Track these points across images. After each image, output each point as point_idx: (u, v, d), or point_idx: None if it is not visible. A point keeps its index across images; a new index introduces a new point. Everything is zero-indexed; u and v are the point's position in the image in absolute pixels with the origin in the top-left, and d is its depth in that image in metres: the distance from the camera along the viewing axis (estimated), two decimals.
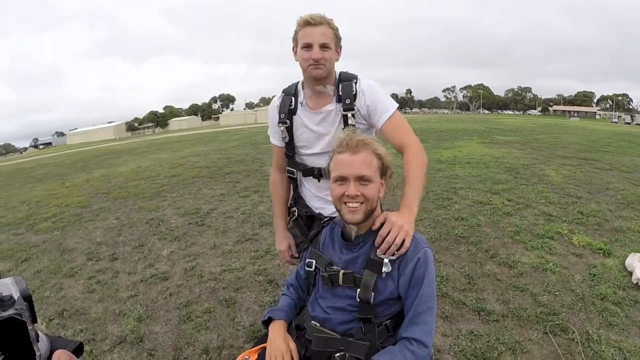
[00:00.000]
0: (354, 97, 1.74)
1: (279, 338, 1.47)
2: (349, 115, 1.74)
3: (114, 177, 11.16)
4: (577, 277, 3.45)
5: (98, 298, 3.56)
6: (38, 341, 0.57)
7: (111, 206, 7.20)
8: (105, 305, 3.41)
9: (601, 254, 3.91)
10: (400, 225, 1.39)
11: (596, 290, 3.20)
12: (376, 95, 1.76)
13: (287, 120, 1.86)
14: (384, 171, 1.43)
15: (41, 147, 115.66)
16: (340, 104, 1.76)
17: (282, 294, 1.70)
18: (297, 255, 2.06)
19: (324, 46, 1.68)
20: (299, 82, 1.88)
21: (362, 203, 1.38)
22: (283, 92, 1.90)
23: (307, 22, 1.67)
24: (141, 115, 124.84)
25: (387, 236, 1.37)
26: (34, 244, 5.39)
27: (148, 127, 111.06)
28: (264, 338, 1.56)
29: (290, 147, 1.93)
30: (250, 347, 1.62)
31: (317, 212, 1.96)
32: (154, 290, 3.64)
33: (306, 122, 1.84)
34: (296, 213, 2.06)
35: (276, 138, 1.98)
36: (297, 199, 2.05)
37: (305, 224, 2.03)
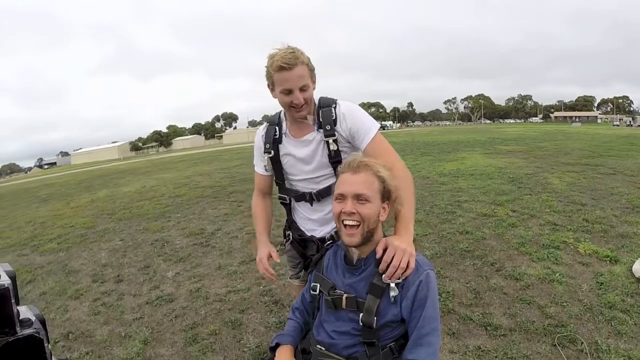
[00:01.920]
0: (334, 123, 1.79)
1: None
2: (330, 141, 1.79)
3: (118, 197, 11.22)
4: (585, 286, 3.41)
5: (103, 320, 3.56)
6: None
7: (116, 227, 7.22)
8: (110, 328, 3.41)
9: (608, 262, 3.88)
10: (403, 249, 1.42)
11: (604, 299, 3.16)
12: (356, 118, 1.80)
13: (272, 150, 1.92)
14: (386, 194, 1.45)
15: (46, 167, 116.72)
16: (322, 130, 1.80)
17: (289, 318, 1.72)
18: (278, 260, 2.02)
19: (302, 89, 1.70)
20: (281, 111, 1.92)
21: (359, 224, 1.41)
22: (267, 122, 1.97)
23: (282, 68, 1.65)
24: (145, 134, 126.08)
25: (392, 261, 1.40)
26: (38, 265, 5.42)
27: (152, 147, 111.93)
28: None
29: (279, 175, 1.98)
30: None
31: (309, 234, 1.97)
32: (159, 312, 3.63)
33: (291, 150, 1.89)
34: (291, 236, 2.08)
35: (260, 167, 2.04)
36: (291, 224, 2.08)
37: (300, 246, 2.05)
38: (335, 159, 1.81)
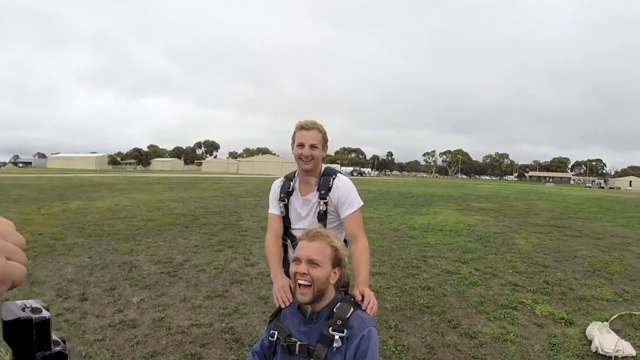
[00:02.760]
0: (328, 189, 2.24)
1: None
2: (322, 203, 2.25)
3: (90, 211, 11.08)
4: (537, 347, 3.56)
5: (65, 337, 3.49)
6: None
7: (85, 243, 7.14)
8: (71, 345, 3.38)
9: (563, 324, 4.05)
10: (371, 293, 1.90)
11: None
12: (347, 192, 2.25)
13: (286, 199, 2.35)
14: (337, 261, 1.72)
15: (20, 165, 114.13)
16: (318, 192, 2.26)
17: None
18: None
19: (313, 146, 2.20)
20: (296, 171, 2.40)
21: (310, 285, 1.64)
22: (285, 177, 2.43)
23: (302, 127, 2.22)
24: (125, 150, 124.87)
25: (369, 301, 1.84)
26: None
27: (130, 164, 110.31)
28: None
29: (287, 220, 2.37)
30: None
31: None
32: (121, 336, 3.62)
33: (296, 202, 2.34)
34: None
35: (276, 209, 2.40)
36: (284, 262, 2.39)
37: None
38: (321, 218, 2.26)
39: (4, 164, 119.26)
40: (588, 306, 4.51)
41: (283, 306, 2.01)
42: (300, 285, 1.67)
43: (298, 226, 2.32)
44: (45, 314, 0.54)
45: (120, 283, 5.03)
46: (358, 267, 2.13)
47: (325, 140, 2.29)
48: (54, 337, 0.59)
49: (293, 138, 2.26)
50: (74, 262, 5.90)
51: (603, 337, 3.50)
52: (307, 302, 1.68)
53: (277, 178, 2.49)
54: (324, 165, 2.35)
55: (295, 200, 2.34)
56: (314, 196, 2.28)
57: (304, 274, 1.65)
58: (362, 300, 1.86)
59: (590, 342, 3.59)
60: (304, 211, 2.32)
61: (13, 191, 16.61)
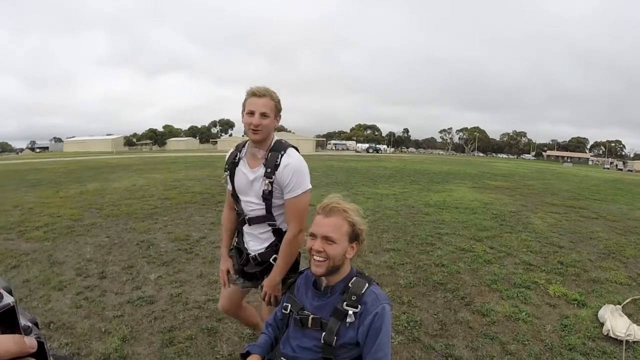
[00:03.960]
0: (275, 167, 2.07)
1: None
2: (267, 182, 2.09)
3: (107, 192, 11.24)
4: (549, 327, 3.55)
5: (85, 314, 3.65)
6: None
7: (103, 223, 7.28)
8: (91, 322, 3.49)
9: (575, 305, 4.02)
10: (273, 288, 2.18)
11: (566, 341, 3.30)
12: (293, 174, 2.08)
13: (229, 170, 2.26)
14: (354, 237, 1.67)
15: (38, 150, 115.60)
16: (265, 169, 2.10)
17: (262, 332, 1.90)
18: (234, 277, 2.46)
19: (263, 115, 2.03)
20: (248, 140, 2.24)
21: (325, 259, 1.62)
22: (235, 146, 2.31)
23: (254, 94, 2.04)
24: (140, 131, 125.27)
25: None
26: (24, 251, 5.46)
27: (145, 144, 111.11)
28: None
29: (234, 192, 2.28)
30: None
31: (245, 246, 2.33)
32: (139, 312, 3.73)
33: (240, 175, 2.21)
34: (235, 243, 2.42)
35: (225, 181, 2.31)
36: (238, 232, 2.42)
37: (238, 254, 2.40)
38: (267, 197, 2.12)
39: (22, 149, 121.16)
40: (601, 289, 4.47)
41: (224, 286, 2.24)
42: (315, 259, 1.65)
43: (244, 199, 2.23)
44: (7, 300, 0.46)
45: (138, 261, 5.14)
46: (280, 253, 2.15)
47: (278, 109, 2.12)
48: (23, 322, 0.51)
49: (243, 105, 2.08)
50: (92, 242, 6.02)
51: (615, 321, 3.48)
52: (321, 274, 1.66)
53: None
54: (275, 137, 2.19)
55: (241, 172, 2.21)
56: (259, 171, 2.13)
57: (320, 251, 1.63)
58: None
59: (602, 324, 3.57)
60: (247, 186, 2.18)
61: (31, 176, 16.84)
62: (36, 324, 0.69)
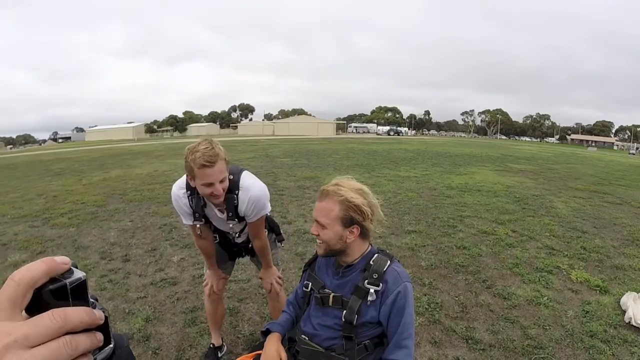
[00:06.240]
0: (235, 209, 2.17)
1: (272, 348, 1.68)
2: (235, 221, 2.23)
3: (130, 178, 11.44)
4: (570, 312, 3.50)
5: (109, 296, 3.74)
6: None
7: (126, 208, 7.42)
8: (115, 304, 3.59)
9: (598, 291, 3.95)
10: (272, 275, 2.58)
11: (587, 327, 3.25)
12: (253, 207, 2.17)
13: (202, 219, 2.26)
14: (349, 220, 1.59)
15: (60, 140, 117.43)
16: (226, 214, 2.21)
17: (283, 311, 1.91)
18: (224, 277, 2.76)
19: (221, 181, 1.96)
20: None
21: (323, 242, 1.63)
22: (186, 188, 2.17)
23: (204, 165, 1.87)
24: (161, 118, 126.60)
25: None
26: (49, 237, 5.60)
27: (167, 131, 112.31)
28: (259, 346, 1.77)
29: (215, 228, 2.44)
30: (247, 353, 1.88)
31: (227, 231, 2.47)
32: (162, 293, 3.81)
33: (216, 211, 2.25)
34: (217, 238, 2.52)
35: (190, 221, 2.28)
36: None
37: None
38: (242, 220, 2.27)
39: (44, 140, 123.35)
40: (624, 276, 4.37)
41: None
42: (317, 240, 1.67)
43: (226, 228, 2.38)
44: (78, 274, 0.47)
45: (161, 244, 5.23)
46: (260, 257, 2.48)
47: (228, 162, 2.02)
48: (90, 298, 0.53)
49: (192, 174, 1.94)
50: (116, 226, 6.14)
51: (637, 308, 3.40)
52: (322, 255, 1.68)
53: (178, 187, 2.22)
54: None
55: (213, 212, 2.26)
56: (224, 214, 2.24)
57: (316, 234, 1.65)
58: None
59: (624, 312, 3.50)
60: (224, 222, 2.29)
61: (55, 165, 17.21)
62: (96, 299, 0.73)
